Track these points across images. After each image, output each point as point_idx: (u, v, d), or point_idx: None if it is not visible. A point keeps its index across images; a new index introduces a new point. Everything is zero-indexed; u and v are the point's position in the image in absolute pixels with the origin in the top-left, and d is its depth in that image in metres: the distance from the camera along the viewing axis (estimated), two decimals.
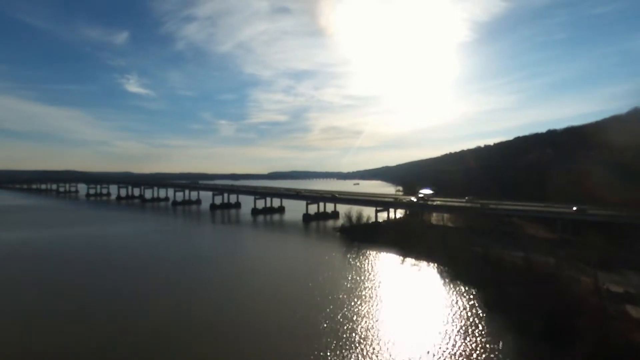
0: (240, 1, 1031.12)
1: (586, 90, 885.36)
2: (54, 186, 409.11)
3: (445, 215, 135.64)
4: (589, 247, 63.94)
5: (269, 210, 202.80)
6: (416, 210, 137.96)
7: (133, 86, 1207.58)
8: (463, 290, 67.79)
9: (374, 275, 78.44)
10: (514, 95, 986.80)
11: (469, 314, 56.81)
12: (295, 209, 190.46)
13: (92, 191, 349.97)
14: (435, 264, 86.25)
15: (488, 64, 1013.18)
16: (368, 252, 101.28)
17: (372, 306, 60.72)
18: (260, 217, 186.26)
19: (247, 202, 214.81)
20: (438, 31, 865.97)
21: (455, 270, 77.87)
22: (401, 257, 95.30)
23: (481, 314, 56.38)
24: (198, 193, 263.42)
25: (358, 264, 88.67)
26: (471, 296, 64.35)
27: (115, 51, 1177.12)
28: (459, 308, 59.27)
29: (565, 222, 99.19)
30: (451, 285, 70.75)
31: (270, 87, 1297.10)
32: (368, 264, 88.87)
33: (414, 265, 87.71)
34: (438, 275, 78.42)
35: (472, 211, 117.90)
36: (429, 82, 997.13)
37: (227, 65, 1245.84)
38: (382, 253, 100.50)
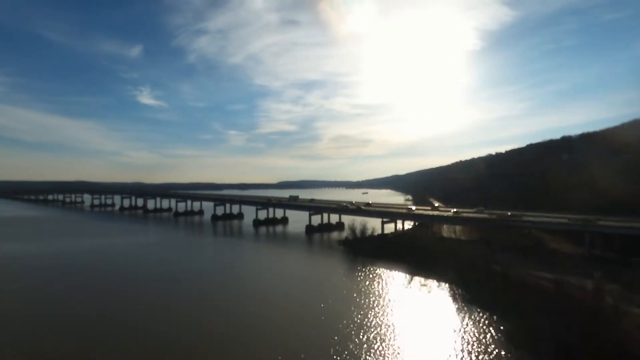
0: (251, 14, 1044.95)
1: (598, 97, 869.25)
2: (60, 197, 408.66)
3: (458, 227, 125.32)
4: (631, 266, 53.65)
5: (272, 222, 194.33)
6: (425, 222, 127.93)
7: (146, 98, 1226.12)
8: (481, 318, 57.77)
9: (378, 300, 68.65)
10: (524, 102, 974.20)
11: (491, 351, 47.00)
12: (298, 220, 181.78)
13: (96, 202, 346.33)
14: (447, 284, 76.14)
15: (497, 72, 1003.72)
16: (372, 270, 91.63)
17: (376, 339, 51.24)
18: (263, 229, 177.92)
19: (251, 213, 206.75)
20: (447, 40, 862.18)
21: (471, 293, 67.84)
22: (409, 275, 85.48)
23: (505, 353, 46.48)
24: (200, 203, 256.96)
25: (361, 285, 79.06)
26: (491, 327, 54.32)
27: (129, 64, 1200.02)
28: (477, 342, 49.43)
29: (594, 235, 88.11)
30: (466, 312, 60.74)
31: (279, 98, 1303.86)
32: (372, 284, 79.15)
33: (423, 285, 77.74)
34: (450, 299, 68.28)
35: (485, 223, 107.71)
36: (438, 90, 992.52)
37: (237, 76, 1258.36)
38: (387, 270, 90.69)
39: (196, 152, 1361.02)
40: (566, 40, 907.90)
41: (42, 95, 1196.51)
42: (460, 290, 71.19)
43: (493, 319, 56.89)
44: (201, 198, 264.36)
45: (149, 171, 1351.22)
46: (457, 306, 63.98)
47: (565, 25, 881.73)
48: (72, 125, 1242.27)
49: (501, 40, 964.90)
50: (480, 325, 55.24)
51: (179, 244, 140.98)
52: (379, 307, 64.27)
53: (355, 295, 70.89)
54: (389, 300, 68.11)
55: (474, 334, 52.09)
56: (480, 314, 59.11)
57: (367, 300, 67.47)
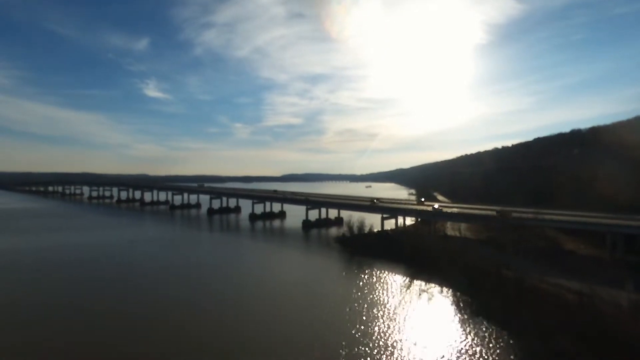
0: (258, 7, 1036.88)
1: (606, 92, 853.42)
2: (60, 188, 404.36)
3: (463, 225, 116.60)
4: None
5: (269, 216, 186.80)
6: (428, 219, 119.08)
7: (152, 91, 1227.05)
8: (489, 334, 49.11)
9: (372, 310, 60.28)
10: (531, 97, 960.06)
11: None
12: (296, 214, 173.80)
13: (94, 193, 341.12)
14: (451, 290, 67.57)
15: (504, 66, 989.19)
16: (369, 271, 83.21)
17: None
18: (259, 224, 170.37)
19: (248, 206, 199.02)
20: (453, 33, 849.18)
21: (478, 302, 59.07)
22: (408, 279, 77.07)
23: None
24: (197, 197, 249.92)
25: (354, 290, 70.73)
26: (502, 346, 45.71)
27: (135, 57, 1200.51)
28: None
29: (616, 236, 78.76)
30: (472, 326, 52.14)
31: (285, 91, 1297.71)
32: (367, 289, 70.74)
33: (424, 291, 69.08)
34: (454, 308, 59.56)
35: (494, 220, 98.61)
36: (444, 85, 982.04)
37: (243, 69, 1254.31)
38: (385, 273, 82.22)
39: (202, 144, 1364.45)
40: (574, 34, 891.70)
41: (51, 89, 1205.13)
42: (465, 298, 62.55)
43: (504, 335, 48.23)
44: (198, 191, 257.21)
45: (156, 164, 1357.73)
46: (461, 318, 55.31)
47: (574, 19, 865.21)
48: (80, 118, 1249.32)
49: (508, 34, 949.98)
50: (489, 342, 46.75)
51: (167, 239, 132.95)
52: (372, 318, 55.89)
53: (346, 303, 62.59)
54: (384, 309, 59.66)
55: (481, 354, 43.72)
56: (489, 329, 50.51)
57: (359, 311, 59.09)
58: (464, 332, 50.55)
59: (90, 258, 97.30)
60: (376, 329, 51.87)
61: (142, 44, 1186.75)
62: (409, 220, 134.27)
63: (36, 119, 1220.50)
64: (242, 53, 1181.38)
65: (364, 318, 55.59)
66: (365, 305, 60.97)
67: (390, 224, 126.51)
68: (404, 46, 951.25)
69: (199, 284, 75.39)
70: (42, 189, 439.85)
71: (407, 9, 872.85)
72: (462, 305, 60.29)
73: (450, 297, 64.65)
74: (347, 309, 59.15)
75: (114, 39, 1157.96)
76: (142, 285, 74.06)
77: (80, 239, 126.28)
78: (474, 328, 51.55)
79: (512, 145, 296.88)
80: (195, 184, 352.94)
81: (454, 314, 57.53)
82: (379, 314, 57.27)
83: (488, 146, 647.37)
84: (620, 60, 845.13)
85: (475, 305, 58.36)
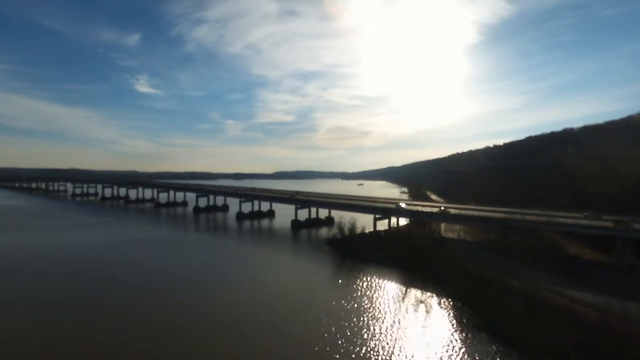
0: (250, 4, 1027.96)
1: (596, 92, 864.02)
2: (43, 185, 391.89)
3: (460, 227, 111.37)
4: None
5: (257, 215, 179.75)
6: (423, 219, 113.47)
7: (143, 86, 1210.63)
8: (498, 356, 43.34)
9: (362, 326, 54.38)
10: (521, 96, 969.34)
11: None
12: (285, 213, 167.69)
13: (78, 190, 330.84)
14: (450, 301, 61.74)
15: (495, 66, 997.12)
16: (361, 278, 77.02)
17: None
18: (247, 223, 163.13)
19: (237, 205, 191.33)
20: (446, 33, 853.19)
21: (481, 316, 53.00)
22: (403, 287, 71.12)
23: None
24: (184, 194, 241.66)
25: (343, 301, 64.49)
26: None
27: (127, 52, 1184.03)
28: None
29: (625, 241, 73.54)
30: (477, 345, 46.28)
31: (277, 88, 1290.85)
32: (357, 300, 64.50)
33: (420, 301, 63.05)
34: (455, 322, 53.58)
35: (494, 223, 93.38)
36: (436, 83, 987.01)
37: (236, 66, 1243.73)
38: (378, 279, 75.98)
39: (194, 141, 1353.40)
40: (564, 35, 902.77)
41: (40, 83, 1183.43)
42: (467, 310, 56.77)
43: (513, 356, 42.64)
44: (184, 189, 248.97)
45: (146, 160, 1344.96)
46: (463, 334, 49.46)
47: (564, 20, 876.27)
48: (69, 113, 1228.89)
49: (499, 34, 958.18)
50: None
51: (146, 241, 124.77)
52: (363, 335, 49.89)
53: (334, 317, 56.48)
54: (377, 325, 53.58)
55: None
56: (495, 349, 44.79)
57: (349, 326, 53.12)
58: (466, 351, 44.79)
59: (62, 261, 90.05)
60: (368, 347, 45.86)
61: (133, 39, 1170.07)
62: (403, 221, 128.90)
63: (24, 113, 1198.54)
64: (234, 49, 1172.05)
65: (355, 335, 49.48)
66: (357, 320, 54.88)
67: (383, 225, 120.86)
68: (397, 44, 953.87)
69: (170, 295, 68.66)
70: (25, 185, 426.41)
71: (400, 8, 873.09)
72: (463, 319, 54.41)
73: (450, 309, 58.70)
74: (334, 327, 53.06)
75: (105, 33, 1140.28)
76: (112, 291, 67.22)
77: (53, 239, 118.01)
78: (478, 346, 45.80)
79: (504, 143, 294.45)
80: (173, 181, 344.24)
81: (454, 329, 51.58)
82: (371, 330, 51.18)
83: (480, 145, 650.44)
84: (609, 61, 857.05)
85: (478, 319, 52.47)
